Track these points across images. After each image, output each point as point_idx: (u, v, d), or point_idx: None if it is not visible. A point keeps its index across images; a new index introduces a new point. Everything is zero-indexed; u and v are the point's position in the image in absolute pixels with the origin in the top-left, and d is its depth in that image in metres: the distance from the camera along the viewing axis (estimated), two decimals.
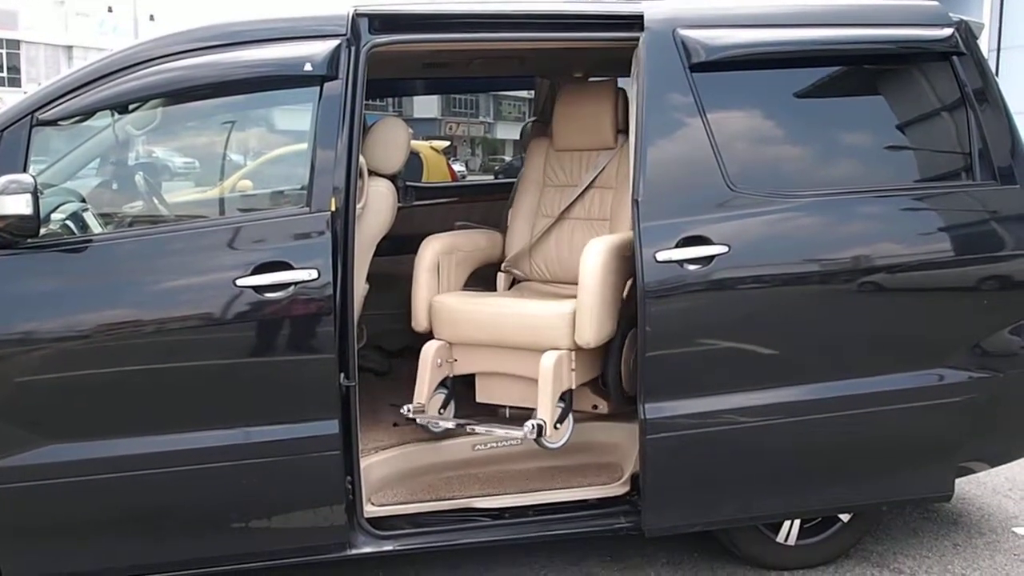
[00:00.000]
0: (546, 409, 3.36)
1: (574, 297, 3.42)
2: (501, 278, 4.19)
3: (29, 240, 2.84)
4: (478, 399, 3.72)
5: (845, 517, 3.59)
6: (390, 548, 3.23)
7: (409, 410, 3.54)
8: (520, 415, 3.61)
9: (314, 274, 2.96)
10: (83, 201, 3.33)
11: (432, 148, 11.00)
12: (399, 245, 3.99)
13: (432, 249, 3.78)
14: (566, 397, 3.46)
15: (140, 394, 2.95)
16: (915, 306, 3.36)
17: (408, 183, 5.06)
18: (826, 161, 3.41)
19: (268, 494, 3.04)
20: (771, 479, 3.31)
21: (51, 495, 2.89)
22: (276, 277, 2.94)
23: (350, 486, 3.13)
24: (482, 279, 4.14)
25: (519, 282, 4.21)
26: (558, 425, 3.41)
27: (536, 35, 3.41)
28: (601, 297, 3.35)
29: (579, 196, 4.11)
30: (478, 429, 3.58)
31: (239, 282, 2.93)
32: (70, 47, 45.64)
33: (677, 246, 3.11)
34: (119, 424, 2.93)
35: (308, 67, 3.06)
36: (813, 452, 3.30)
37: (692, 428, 3.17)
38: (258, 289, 2.93)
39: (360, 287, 3.53)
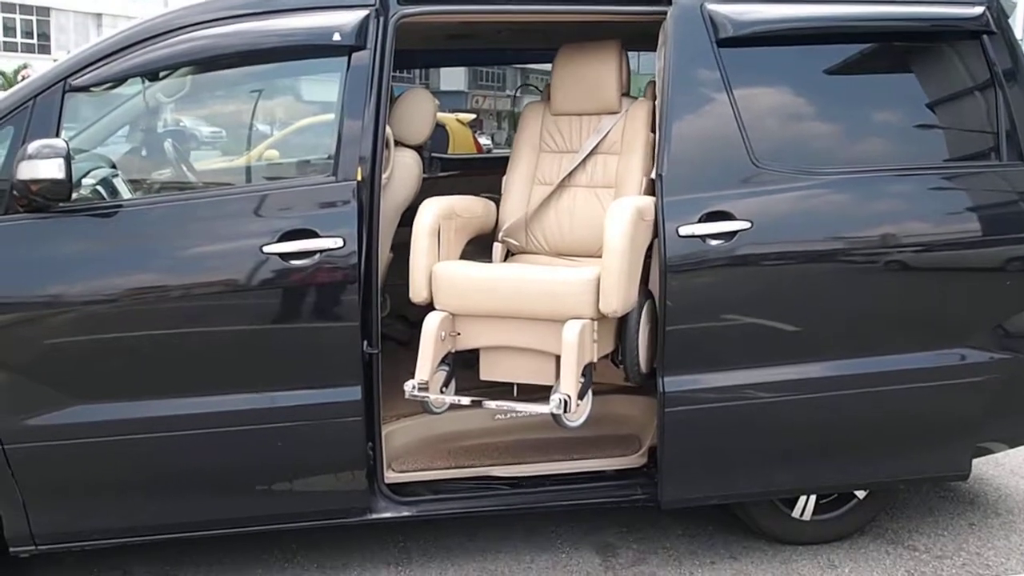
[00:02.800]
0: (570, 382, 3.10)
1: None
2: (497, 248, 3.85)
3: (61, 204, 2.89)
4: (482, 377, 3.42)
5: (861, 494, 3.60)
6: (409, 514, 3.28)
7: (414, 387, 3.23)
8: (524, 392, 3.47)
9: (339, 242, 2.99)
10: (113, 167, 3.37)
11: (458, 120, 11.01)
12: None
13: (432, 212, 3.41)
14: (587, 371, 3.22)
15: (167, 357, 3.00)
16: (938, 285, 3.35)
17: (434, 155, 5.07)
18: (851, 139, 3.39)
19: (291, 458, 3.09)
20: (788, 454, 3.33)
21: (79, 454, 2.95)
22: (302, 245, 2.97)
23: (371, 452, 3.17)
24: (476, 251, 3.81)
25: (514, 254, 3.94)
26: (579, 401, 3.17)
27: (564, 7, 3.40)
28: (629, 261, 3.15)
29: (581, 162, 3.84)
30: (495, 406, 3.39)
31: (265, 249, 2.97)
32: (99, 15, 45.66)
33: (700, 221, 3.12)
34: (145, 386, 2.99)
35: (337, 37, 3.09)
36: (831, 429, 3.30)
37: (711, 402, 3.19)
38: (284, 256, 2.97)
39: (384, 256, 3.54)
